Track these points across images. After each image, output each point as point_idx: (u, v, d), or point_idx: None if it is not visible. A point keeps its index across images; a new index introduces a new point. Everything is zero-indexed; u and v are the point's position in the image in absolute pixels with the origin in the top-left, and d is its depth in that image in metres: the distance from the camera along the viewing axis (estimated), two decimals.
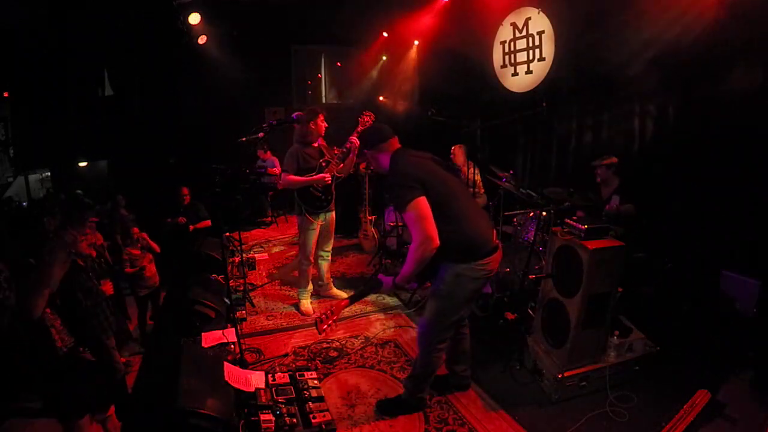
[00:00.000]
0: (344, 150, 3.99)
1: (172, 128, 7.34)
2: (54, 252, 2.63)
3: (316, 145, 4.06)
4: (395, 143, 2.65)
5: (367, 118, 3.95)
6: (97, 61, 7.37)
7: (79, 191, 7.21)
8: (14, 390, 2.52)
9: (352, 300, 2.66)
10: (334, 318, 2.52)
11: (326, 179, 3.95)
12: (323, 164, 4.00)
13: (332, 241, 4.40)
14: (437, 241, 2.34)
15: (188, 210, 5.46)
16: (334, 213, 4.24)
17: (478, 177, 4.93)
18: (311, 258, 4.23)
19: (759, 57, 3.12)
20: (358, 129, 3.94)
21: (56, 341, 2.62)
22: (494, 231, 2.63)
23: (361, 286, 2.95)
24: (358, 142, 3.94)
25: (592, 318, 2.85)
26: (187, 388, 2.41)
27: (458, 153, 5.14)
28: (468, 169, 4.90)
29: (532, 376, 3.16)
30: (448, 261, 2.50)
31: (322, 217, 4.12)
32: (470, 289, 2.54)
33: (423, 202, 2.35)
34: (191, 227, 5.36)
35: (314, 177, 3.93)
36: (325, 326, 2.50)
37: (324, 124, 4.01)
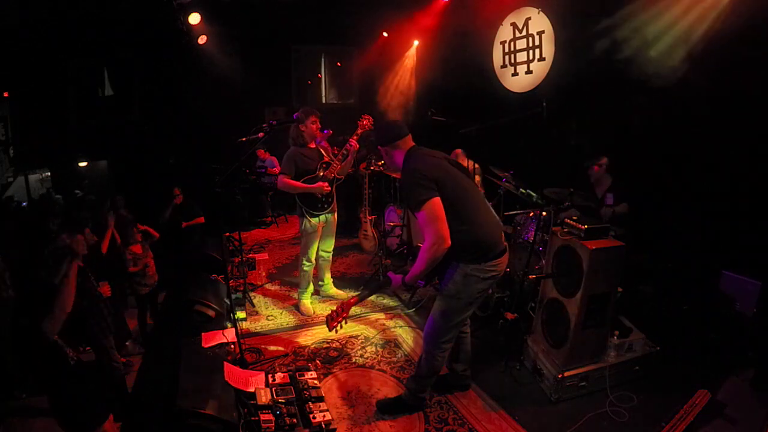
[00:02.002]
0: (343, 152, 3.98)
1: (172, 128, 7.34)
2: (68, 275, 2.53)
3: (313, 146, 4.04)
4: (410, 141, 2.62)
5: (366, 122, 3.94)
6: (97, 61, 7.37)
7: (76, 192, 7.19)
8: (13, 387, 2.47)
9: (362, 297, 2.68)
10: (345, 315, 2.54)
11: (325, 189, 3.91)
12: (323, 166, 3.99)
13: (333, 241, 4.39)
14: (449, 242, 2.33)
15: (181, 208, 5.49)
16: (336, 214, 4.21)
17: (477, 177, 4.92)
18: (312, 259, 4.22)
19: (758, 54, 3.11)
20: (358, 132, 3.93)
21: (67, 354, 2.50)
22: (503, 233, 2.63)
23: (370, 284, 2.95)
24: (357, 146, 3.94)
25: (592, 318, 2.86)
26: (186, 388, 2.41)
27: (461, 156, 5.12)
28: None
29: (532, 376, 3.16)
30: (458, 261, 2.50)
31: (323, 218, 4.10)
32: (478, 290, 2.54)
33: (437, 202, 2.34)
34: (183, 224, 5.37)
35: (312, 186, 3.89)
36: (336, 323, 2.51)
37: (314, 126, 3.94)
